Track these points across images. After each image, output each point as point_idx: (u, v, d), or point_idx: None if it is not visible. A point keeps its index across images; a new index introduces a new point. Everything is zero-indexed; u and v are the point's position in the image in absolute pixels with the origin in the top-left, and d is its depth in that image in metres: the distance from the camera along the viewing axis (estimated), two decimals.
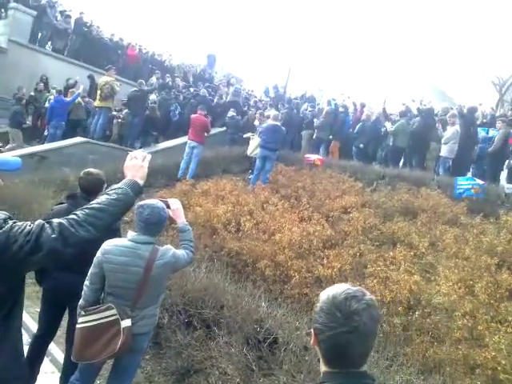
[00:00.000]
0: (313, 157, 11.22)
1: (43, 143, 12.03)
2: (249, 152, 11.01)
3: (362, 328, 1.32)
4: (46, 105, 12.74)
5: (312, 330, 1.40)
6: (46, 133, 12.29)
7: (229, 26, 50.26)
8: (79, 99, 12.76)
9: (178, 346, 4.27)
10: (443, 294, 4.66)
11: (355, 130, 12.11)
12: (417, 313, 4.42)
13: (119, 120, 13.36)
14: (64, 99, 11.93)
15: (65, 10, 16.88)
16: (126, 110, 13.13)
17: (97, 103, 12.72)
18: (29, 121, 13.45)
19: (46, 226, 1.61)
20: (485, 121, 12.13)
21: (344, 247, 6.12)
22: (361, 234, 6.58)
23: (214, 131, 14.56)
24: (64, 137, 11.92)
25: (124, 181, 1.90)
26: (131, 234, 3.06)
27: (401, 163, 11.51)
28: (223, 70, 25.76)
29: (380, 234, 6.69)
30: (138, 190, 1.90)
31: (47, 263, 1.73)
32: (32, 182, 8.34)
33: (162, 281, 3.11)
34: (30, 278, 5.13)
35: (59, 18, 16.19)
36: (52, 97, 12.51)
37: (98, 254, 2.98)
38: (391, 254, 5.70)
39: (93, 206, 1.75)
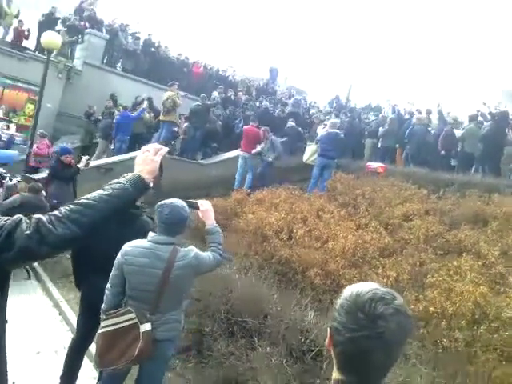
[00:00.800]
0: (375, 165, 10.74)
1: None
2: (305, 159, 10.77)
3: (387, 335, 1.11)
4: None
5: (328, 329, 1.22)
6: (112, 147, 12.85)
7: (292, 38, 50.55)
8: (146, 114, 13.27)
9: (219, 356, 4.11)
10: None
11: (405, 135, 11.59)
12: (482, 327, 3.93)
13: (181, 136, 13.68)
14: (129, 114, 12.45)
15: (135, 32, 17.81)
16: (187, 124, 13.39)
17: (161, 117, 13.17)
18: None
19: (23, 221, 1.47)
20: None
21: (403, 256, 5.68)
22: (422, 242, 6.09)
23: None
24: (129, 150, 12.43)
25: (128, 175, 1.72)
26: (151, 234, 2.96)
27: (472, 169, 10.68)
28: (286, 83, 25.79)
29: (444, 243, 6.15)
30: (140, 186, 1.69)
31: (21, 262, 1.61)
32: (94, 189, 8.68)
33: (183, 284, 2.95)
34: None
35: (130, 39, 17.09)
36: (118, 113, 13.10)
37: (119, 255, 2.91)
38: (455, 263, 5.18)
39: (80, 201, 1.57)
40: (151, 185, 1.87)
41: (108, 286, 2.96)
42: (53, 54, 13.27)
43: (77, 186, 8.07)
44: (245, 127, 11.25)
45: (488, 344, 3.80)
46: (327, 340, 1.24)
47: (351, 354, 1.16)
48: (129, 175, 1.72)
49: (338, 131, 9.80)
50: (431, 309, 4.09)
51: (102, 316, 2.90)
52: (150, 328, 2.74)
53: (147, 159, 1.77)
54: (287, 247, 5.95)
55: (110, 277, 2.96)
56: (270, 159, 10.61)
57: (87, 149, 13.41)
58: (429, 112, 12.82)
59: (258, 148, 10.59)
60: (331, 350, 1.22)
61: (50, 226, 1.46)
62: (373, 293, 1.15)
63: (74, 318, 5.05)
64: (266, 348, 3.89)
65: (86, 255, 3.51)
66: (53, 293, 6.03)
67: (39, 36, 13.50)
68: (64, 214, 1.50)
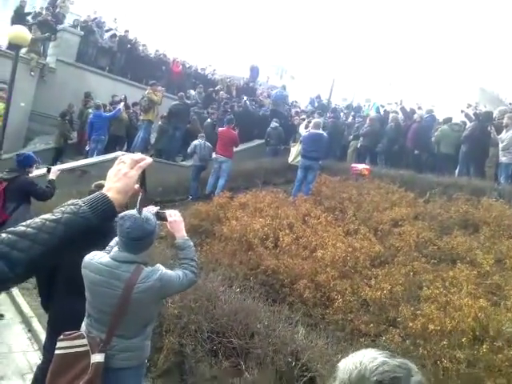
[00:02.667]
0: (360, 166, 10.53)
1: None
2: (290, 160, 10.49)
3: None
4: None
5: None
6: (87, 148, 12.35)
7: (272, 36, 50.32)
8: (124, 115, 12.78)
9: (202, 381, 3.77)
10: None
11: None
12: (484, 346, 3.68)
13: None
14: (103, 114, 11.95)
15: (111, 29, 17.26)
16: (160, 122, 12.93)
17: (141, 117, 12.79)
18: (74, 137, 13.77)
19: None
20: None
21: (395, 265, 5.42)
22: (414, 249, 5.86)
23: (254, 143, 14.22)
24: (106, 151, 11.94)
25: (93, 195, 1.29)
26: (115, 249, 2.60)
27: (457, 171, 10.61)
28: (268, 82, 25.48)
29: (436, 250, 5.93)
30: (105, 210, 1.25)
31: None
32: (69, 195, 8.21)
33: (145, 308, 2.58)
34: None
35: (105, 36, 16.54)
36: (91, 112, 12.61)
37: (82, 263, 2.59)
38: (451, 273, 4.94)
39: (16, 229, 1.16)
40: (137, 207, 1.45)
41: None
42: (24, 51, 12.70)
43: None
44: (220, 129, 10.76)
45: (491, 365, 3.55)
46: None
47: None
48: (92, 195, 1.29)
49: (321, 132, 9.50)
50: (430, 326, 3.83)
51: (60, 336, 2.56)
52: (101, 360, 2.38)
53: (119, 173, 1.34)
54: (273, 256, 5.63)
55: None
56: None
57: (61, 151, 12.87)
58: (411, 111, 12.81)
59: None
60: None
61: None
62: (381, 372, 0.85)
63: (44, 336, 4.64)
64: (253, 372, 3.56)
65: (56, 274, 3.15)
66: (22, 306, 5.55)
67: None
68: None
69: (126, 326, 2.49)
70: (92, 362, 2.36)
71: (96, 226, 1.24)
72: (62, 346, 2.50)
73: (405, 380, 0.85)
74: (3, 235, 1.14)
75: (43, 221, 1.19)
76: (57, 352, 2.50)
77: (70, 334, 2.52)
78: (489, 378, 3.42)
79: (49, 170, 5.84)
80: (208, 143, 10.58)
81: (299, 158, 9.56)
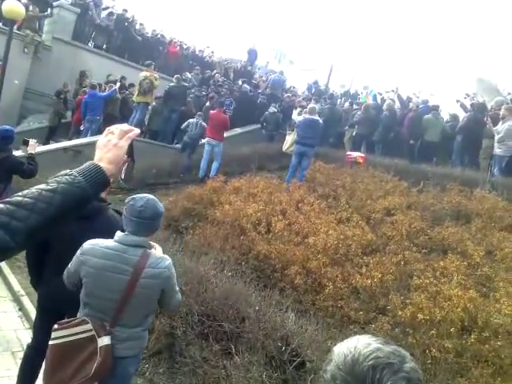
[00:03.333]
0: (354, 154, 10.51)
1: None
2: (284, 148, 10.44)
3: None
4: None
5: None
6: (82, 127, 12.21)
7: (271, 19, 49.76)
8: (118, 95, 12.64)
9: (192, 362, 3.79)
10: (505, 314, 3.93)
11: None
12: (473, 336, 3.72)
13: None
14: (97, 93, 11.78)
15: (108, 7, 16.94)
16: (157, 101, 12.76)
17: (135, 98, 12.55)
18: (69, 116, 13.60)
19: None
20: None
21: (386, 254, 5.45)
22: (405, 239, 5.88)
23: (251, 127, 14.13)
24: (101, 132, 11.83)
25: (84, 165, 1.31)
26: (119, 234, 2.57)
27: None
28: (267, 67, 25.25)
29: (428, 240, 5.95)
30: (98, 179, 1.27)
31: None
32: None
33: (151, 295, 2.56)
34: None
35: (103, 15, 16.24)
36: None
37: (78, 252, 2.54)
38: (442, 263, 4.98)
39: (13, 199, 1.16)
40: (122, 176, 1.44)
41: (64, 276, 2.62)
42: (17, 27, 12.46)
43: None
44: (211, 112, 10.71)
45: (479, 355, 3.60)
46: None
47: None
48: (84, 165, 1.30)
49: (316, 117, 9.42)
50: (420, 315, 3.86)
51: (54, 326, 2.51)
52: (109, 342, 2.36)
53: (109, 144, 1.38)
54: (266, 242, 5.64)
55: (67, 269, 2.61)
56: None
57: (54, 130, 12.73)
58: (408, 99, 12.82)
59: None
60: None
61: None
62: (375, 357, 0.86)
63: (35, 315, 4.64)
64: (243, 356, 3.58)
65: (45, 254, 3.12)
66: (12, 284, 5.49)
67: None
68: None
69: (130, 313, 2.47)
70: (100, 345, 2.34)
71: (90, 195, 1.27)
72: (60, 335, 2.44)
73: (398, 366, 0.85)
74: (1, 205, 1.15)
75: (39, 191, 1.19)
76: (55, 342, 2.44)
77: (67, 322, 2.47)
78: (476, 367, 3.47)
79: (26, 143, 5.41)
80: (203, 123, 10.64)
81: (293, 147, 9.50)
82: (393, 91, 13.90)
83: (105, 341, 2.35)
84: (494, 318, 3.92)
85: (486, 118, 9.96)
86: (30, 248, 3.19)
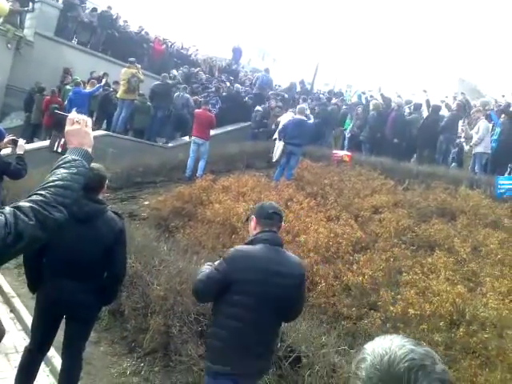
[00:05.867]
0: (341, 153, 10.64)
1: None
2: (274, 158, 10.28)
3: None
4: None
5: None
6: None
7: (256, 18, 49.72)
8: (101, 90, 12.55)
9: (188, 360, 3.83)
10: (491, 308, 4.07)
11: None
12: (461, 329, 3.85)
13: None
14: (82, 91, 11.65)
15: (85, 3, 16.70)
16: (140, 99, 12.64)
17: (121, 95, 12.41)
18: None
19: (18, 212, 1.42)
20: None
21: (375, 251, 5.56)
22: (393, 236, 6.01)
23: (238, 125, 14.19)
24: None
25: (74, 150, 1.64)
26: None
27: None
28: (250, 64, 25.29)
29: (415, 237, 6.09)
30: (90, 161, 1.67)
31: (26, 250, 1.60)
32: (49, 172, 8.07)
33: None
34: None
35: (86, 11, 16.04)
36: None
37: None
38: (429, 260, 5.11)
39: (56, 183, 1.51)
40: (59, 150, 1.87)
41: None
42: None
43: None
44: (196, 111, 10.66)
45: (467, 347, 3.73)
46: None
47: None
48: (76, 151, 1.65)
49: (304, 118, 9.51)
50: (410, 311, 3.98)
51: None
52: None
53: (81, 132, 1.71)
54: None
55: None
56: None
57: (38, 127, 12.54)
58: (388, 99, 13.02)
59: None
60: None
61: (47, 213, 1.45)
62: (410, 359, 0.91)
63: (27, 316, 4.61)
64: None
65: (47, 256, 3.12)
66: (3, 286, 5.46)
67: None
68: (51, 199, 1.48)
69: None
70: None
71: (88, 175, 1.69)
72: None
73: (431, 368, 0.91)
74: (51, 189, 1.49)
75: (69, 174, 1.55)
76: None
77: None
78: (465, 359, 3.60)
79: (15, 142, 5.19)
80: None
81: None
82: (377, 91, 14.09)
83: None
84: (481, 311, 4.06)
85: (462, 121, 10.41)
86: (30, 254, 3.18)
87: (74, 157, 1.60)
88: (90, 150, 1.69)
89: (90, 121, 1.78)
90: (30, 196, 1.49)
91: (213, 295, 2.67)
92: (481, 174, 9.20)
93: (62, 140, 1.93)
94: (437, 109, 11.18)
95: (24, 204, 1.45)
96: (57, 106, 11.00)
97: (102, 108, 13.02)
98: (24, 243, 1.42)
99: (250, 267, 2.57)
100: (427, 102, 12.01)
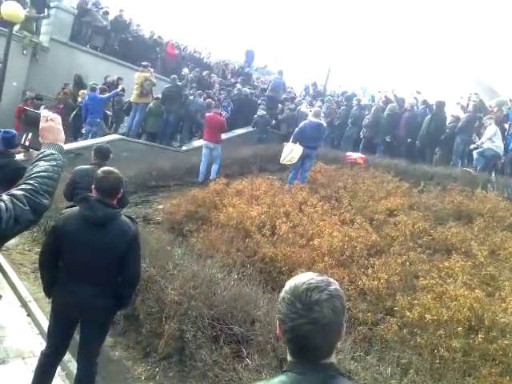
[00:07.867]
0: (354, 155, 10.57)
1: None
2: (282, 160, 10.12)
3: (322, 319, 1.26)
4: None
5: (277, 321, 1.37)
6: (83, 130, 12.19)
7: (268, 21, 49.69)
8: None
9: (203, 365, 3.81)
10: (511, 313, 3.98)
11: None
12: (480, 335, 3.77)
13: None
14: (97, 96, 11.75)
15: (102, 7, 16.85)
16: (154, 102, 12.70)
17: (134, 99, 12.52)
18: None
19: (14, 199, 1.60)
20: None
21: (391, 255, 5.49)
22: (409, 239, 5.93)
23: (251, 129, 14.17)
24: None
25: (51, 145, 1.82)
26: None
27: None
28: (265, 67, 25.22)
29: (431, 240, 6.01)
30: (64, 155, 1.86)
31: (21, 232, 1.75)
32: (63, 179, 8.16)
33: None
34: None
35: (99, 15, 16.19)
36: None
37: None
38: (446, 264, 5.03)
39: (41, 174, 1.70)
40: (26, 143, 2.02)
41: None
42: (16, 28, 12.42)
43: None
44: (207, 115, 10.61)
45: (486, 354, 3.65)
46: (277, 330, 1.37)
47: (295, 340, 1.31)
48: (52, 146, 1.82)
49: (320, 121, 9.47)
50: (427, 316, 3.91)
51: None
52: None
53: (55, 129, 1.86)
54: (271, 244, 5.66)
55: None
56: None
57: None
58: (401, 99, 12.93)
59: None
60: (283, 338, 1.35)
61: (37, 200, 1.63)
62: (308, 283, 1.29)
63: (44, 321, 4.64)
64: (254, 359, 3.61)
65: (62, 260, 3.15)
66: (20, 290, 5.47)
67: None
68: (38, 187, 1.66)
69: None
70: None
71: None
72: None
73: (324, 287, 1.29)
74: (37, 179, 1.67)
75: (50, 165, 1.73)
76: None
77: None
78: (484, 366, 3.52)
79: (27, 149, 5.03)
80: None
81: (290, 157, 9.27)
82: (391, 92, 13.97)
83: None
84: (501, 317, 3.97)
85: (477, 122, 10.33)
86: (46, 256, 3.21)
87: (52, 151, 1.80)
88: (63, 144, 1.86)
89: (59, 118, 1.93)
90: (19, 185, 1.67)
91: None
92: (494, 175, 9.06)
93: (30, 134, 2.06)
94: (441, 105, 11.09)
95: (17, 192, 1.63)
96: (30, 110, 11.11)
97: (115, 112, 13.17)
98: (20, 226, 1.61)
99: None
100: (425, 102, 11.95)
